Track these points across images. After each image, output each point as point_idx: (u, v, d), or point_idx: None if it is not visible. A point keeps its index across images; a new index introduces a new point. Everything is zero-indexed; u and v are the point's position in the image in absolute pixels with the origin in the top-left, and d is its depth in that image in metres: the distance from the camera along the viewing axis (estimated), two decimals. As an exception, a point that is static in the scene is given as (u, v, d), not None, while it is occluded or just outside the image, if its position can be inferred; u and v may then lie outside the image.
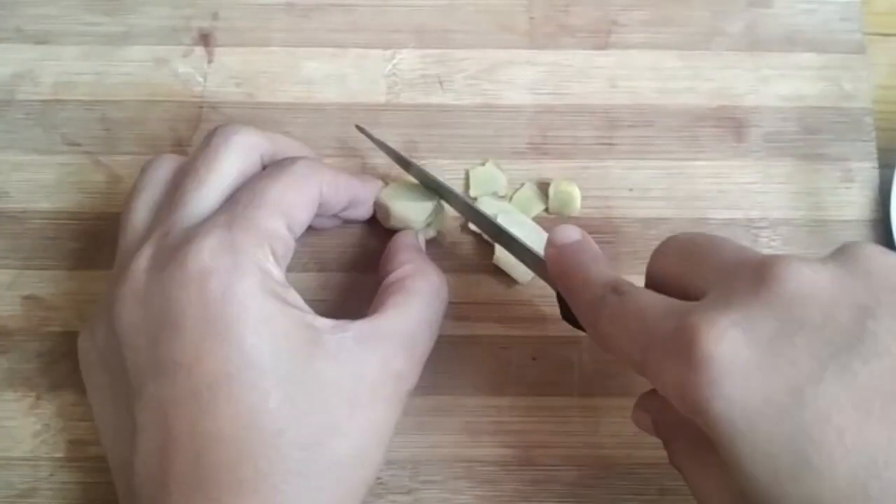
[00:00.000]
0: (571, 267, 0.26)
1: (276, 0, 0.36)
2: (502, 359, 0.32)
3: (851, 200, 0.34)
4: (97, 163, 0.34)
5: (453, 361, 0.31)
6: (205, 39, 0.36)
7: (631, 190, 0.34)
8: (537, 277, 0.30)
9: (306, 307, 0.26)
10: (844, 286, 0.20)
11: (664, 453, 0.25)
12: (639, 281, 0.26)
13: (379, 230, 0.33)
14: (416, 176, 0.32)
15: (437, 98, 0.35)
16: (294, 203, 0.27)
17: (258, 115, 0.35)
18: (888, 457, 0.18)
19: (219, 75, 0.35)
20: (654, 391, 0.26)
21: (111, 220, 0.33)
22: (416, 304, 0.28)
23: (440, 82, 0.35)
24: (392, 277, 0.28)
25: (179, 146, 0.34)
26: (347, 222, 0.32)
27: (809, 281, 0.20)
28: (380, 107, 0.35)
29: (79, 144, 0.34)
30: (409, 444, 0.30)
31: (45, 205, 0.34)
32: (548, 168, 0.34)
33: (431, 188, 0.32)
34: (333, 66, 0.36)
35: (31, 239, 0.33)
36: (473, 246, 0.33)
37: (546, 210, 0.33)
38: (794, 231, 0.33)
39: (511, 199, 0.33)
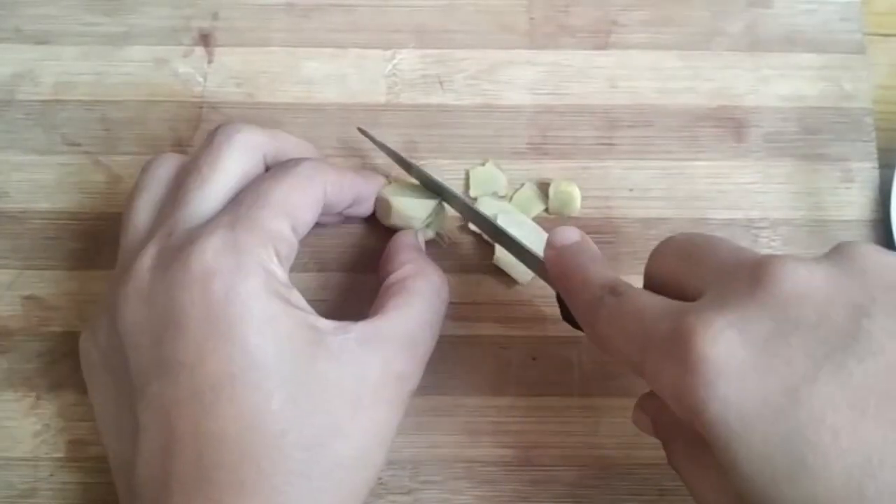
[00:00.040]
0: (570, 268, 0.26)
1: (276, 0, 0.36)
2: (502, 359, 0.32)
3: (851, 200, 0.34)
4: (97, 163, 0.34)
5: (453, 361, 0.31)
6: (205, 39, 0.36)
7: (631, 190, 0.34)
8: (537, 277, 0.30)
9: (309, 308, 0.26)
10: (839, 285, 0.20)
11: (664, 453, 0.25)
12: (638, 281, 0.26)
13: (379, 230, 0.33)
14: (417, 177, 0.32)
15: (437, 98, 0.35)
16: (298, 204, 0.27)
17: (258, 116, 0.35)
18: (883, 456, 0.18)
19: (219, 75, 0.35)
20: (653, 392, 0.26)
21: (111, 221, 0.33)
22: (416, 305, 0.28)
23: (440, 82, 0.35)
24: (392, 278, 0.28)
25: (179, 146, 0.34)
26: (348, 219, 0.32)
27: (804, 280, 0.20)
28: (380, 107, 0.35)
29: (79, 144, 0.34)
30: (409, 444, 0.30)
31: (45, 205, 0.34)
32: (548, 168, 0.34)
33: (433, 189, 0.32)
34: (333, 66, 0.36)
35: (31, 239, 0.33)
36: (473, 246, 0.33)
37: (546, 210, 0.33)
38: (794, 231, 0.33)
39: (511, 199, 0.33)
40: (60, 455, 0.31)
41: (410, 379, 0.27)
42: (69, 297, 0.32)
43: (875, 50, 0.36)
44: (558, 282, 0.27)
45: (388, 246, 0.31)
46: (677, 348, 0.20)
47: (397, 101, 0.35)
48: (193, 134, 0.34)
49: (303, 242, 0.28)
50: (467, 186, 0.34)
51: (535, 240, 0.31)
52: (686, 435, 0.24)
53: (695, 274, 0.23)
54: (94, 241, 0.33)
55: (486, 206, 0.33)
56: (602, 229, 0.33)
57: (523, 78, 0.35)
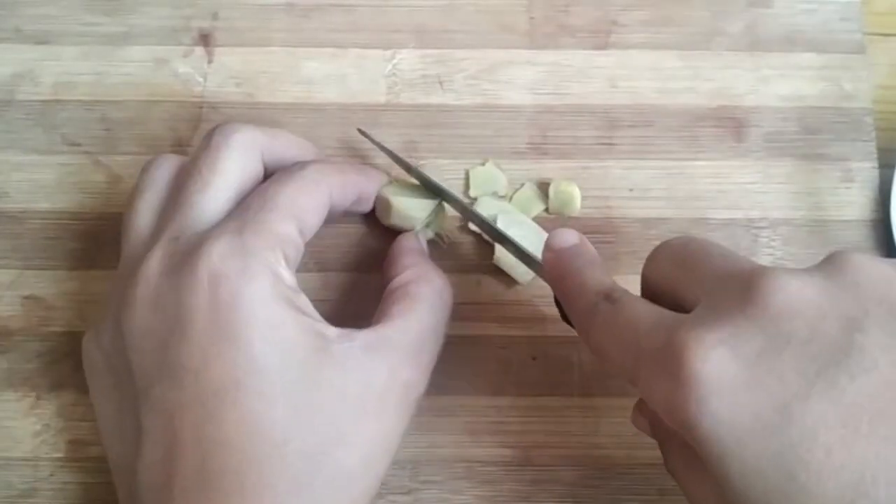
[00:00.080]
0: (567, 272, 0.26)
1: (276, 0, 0.36)
2: (502, 359, 0.32)
3: (851, 200, 0.34)
4: (97, 163, 0.34)
5: (453, 361, 0.31)
6: (205, 39, 0.36)
7: (631, 190, 0.34)
8: (537, 277, 0.30)
9: (316, 313, 0.26)
10: (832, 298, 0.20)
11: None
12: (638, 281, 0.26)
13: (379, 229, 0.33)
14: (416, 178, 0.32)
15: (437, 98, 0.35)
16: (306, 207, 0.27)
17: (258, 116, 0.35)
18: (877, 473, 0.18)
19: (219, 75, 0.35)
20: None
21: (111, 220, 0.33)
22: (420, 311, 0.27)
23: (440, 82, 0.35)
24: (395, 283, 0.28)
25: (179, 146, 0.34)
26: (347, 216, 0.32)
27: (796, 294, 0.20)
28: (380, 107, 0.35)
29: (79, 144, 0.34)
30: (409, 444, 0.30)
31: (45, 205, 0.34)
32: (548, 168, 0.34)
33: (432, 191, 0.32)
34: (333, 66, 0.36)
35: (32, 239, 0.33)
36: (473, 246, 0.33)
37: (546, 210, 0.33)
38: (794, 231, 0.33)
39: (511, 199, 0.33)
40: (60, 455, 0.31)
41: (416, 386, 0.27)
42: (69, 297, 0.32)
43: (875, 50, 0.36)
44: (555, 285, 0.27)
45: (391, 250, 0.30)
46: (669, 363, 0.20)
47: (397, 101, 0.35)
48: (193, 134, 0.34)
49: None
50: (467, 186, 0.34)
51: (535, 240, 0.31)
52: (681, 441, 0.23)
53: (689, 282, 0.23)
54: (95, 241, 0.33)
55: (486, 206, 0.33)
56: (602, 229, 0.33)
57: (523, 78, 0.35)
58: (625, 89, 0.35)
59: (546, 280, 0.28)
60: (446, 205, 0.32)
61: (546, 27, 0.36)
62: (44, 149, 0.34)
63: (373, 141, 0.32)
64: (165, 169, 0.28)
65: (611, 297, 0.24)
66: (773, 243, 0.33)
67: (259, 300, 0.24)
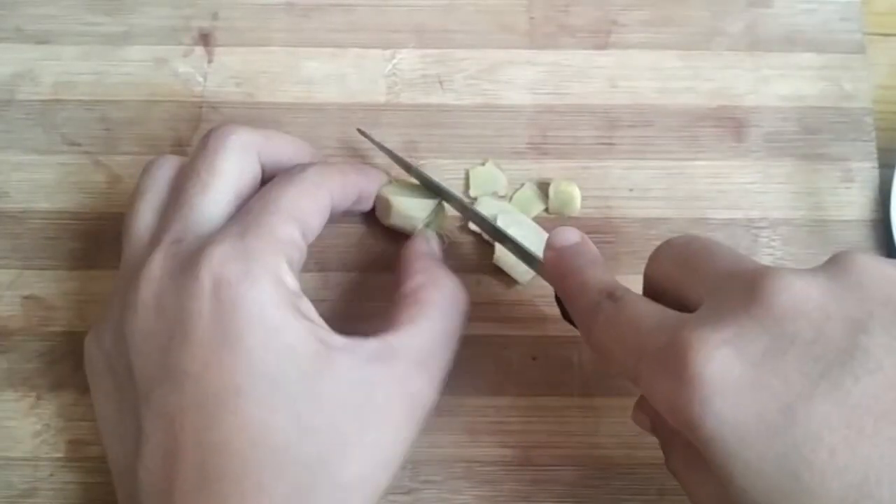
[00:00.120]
0: (569, 270, 0.26)
1: (276, 0, 0.36)
2: (502, 359, 0.32)
3: (851, 200, 0.34)
4: (97, 163, 0.34)
5: (453, 361, 0.31)
6: (205, 39, 0.36)
7: (631, 190, 0.34)
8: (537, 277, 0.30)
9: (319, 319, 0.25)
10: (836, 299, 0.20)
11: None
12: (639, 280, 0.26)
13: (379, 230, 0.33)
14: (416, 178, 0.32)
15: (437, 98, 0.35)
16: (308, 210, 0.27)
17: (258, 115, 0.35)
18: (880, 475, 0.18)
19: (219, 75, 0.35)
20: None
21: (111, 220, 0.33)
22: (430, 318, 0.27)
23: (440, 82, 0.35)
24: (404, 289, 0.28)
25: (179, 146, 0.34)
26: (347, 215, 0.32)
27: (801, 294, 0.20)
28: (380, 107, 0.35)
29: (79, 144, 0.34)
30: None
31: (45, 205, 0.34)
32: (548, 168, 0.34)
33: (432, 190, 0.32)
34: (333, 66, 0.36)
35: (32, 239, 0.33)
36: (473, 246, 0.33)
37: (546, 210, 0.33)
38: (794, 231, 0.33)
39: (511, 199, 0.33)
40: (60, 455, 0.31)
41: (425, 397, 0.26)
42: (69, 296, 0.32)
43: (875, 50, 0.36)
44: (556, 284, 0.27)
45: (401, 254, 0.30)
46: (673, 363, 0.20)
47: (397, 100, 0.35)
48: (193, 134, 0.34)
49: (303, 242, 0.28)
50: (467, 186, 0.34)
51: (535, 240, 0.31)
52: (683, 440, 0.23)
53: (692, 282, 0.23)
54: (95, 241, 0.33)
55: (486, 206, 0.33)
56: (602, 229, 0.33)
57: (523, 78, 0.35)
58: (625, 89, 0.35)
59: (547, 279, 0.28)
60: (446, 204, 0.32)
61: (546, 27, 0.36)
62: (44, 149, 0.34)
63: (372, 141, 0.32)
64: (165, 170, 0.28)
65: (613, 295, 0.24)
66: (773, 243, 0.33)
67: (261, 305, 0.24)
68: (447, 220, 0.33)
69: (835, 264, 0.21)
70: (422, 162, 0.34)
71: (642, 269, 0.26)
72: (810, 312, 0.20)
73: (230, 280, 0.24)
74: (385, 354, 0.25)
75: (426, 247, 0.30)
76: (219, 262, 0.24)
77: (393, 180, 0.32)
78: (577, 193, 0.33)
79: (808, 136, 0.35)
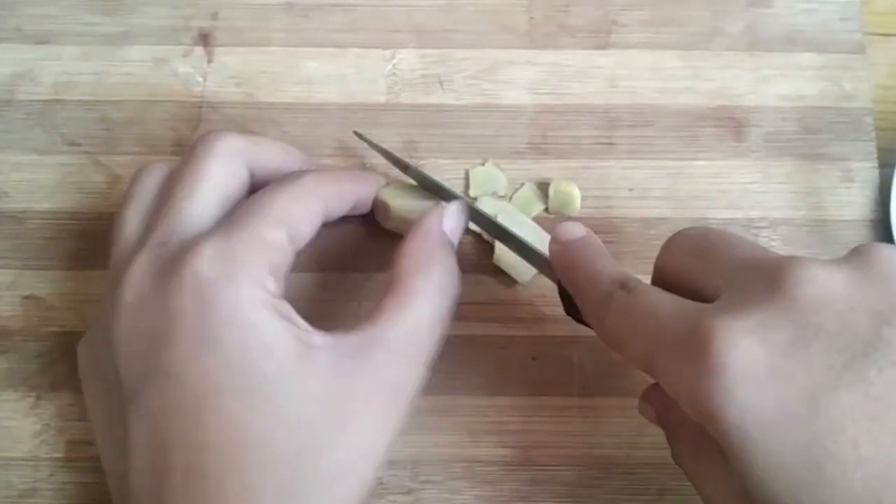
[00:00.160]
0: (576, 262, 0.26)
1: (276, 0, 0.36)
2: (502, 359, 0.32)
3: (851, 200, 0.34)
4: (97, 163, 0.34)
5: (453, 361, 0.31)
6: (205, 39, 0.36)
7: (631, 190, 0.34)
8: (537, 277, 0.30)
9: (300, 321, 0.25)
10: (860, 291, 0.20)
11: (664, 453, 0.25)
12: (641, 279, 0.26)
13: (379, 231, 0.33)
14: (414, 178, 0.32)
15: (437, 98, 0.35)
16: (298, 216, 0.27)
17: (258, 115, 0.35)
18: None
19: (219, 75, 0.35)
20: (658, 384, 0.25)
21: (111, 221, 0.32)
22: (414, 307, 0.26)
23: (440, 82, 0.35)
24: (391, 274, 0.27)
25: (179, 146, 0.34)
26: (345, 217, 0.32)
27: (826, 286, 0.20)
28: (380, 107, 0.35)
29: (79, 144, 0.34)
30: (409, 444, 0.30)
31: (44, 205, 0.34)
32: (548, 168, 0.34)
33: (431, 190, 0.32)
34: (333, 66, 0.36)
35: (31, 239, 0.33)
36: (473, 246, 0.33)
37: (546, 210, 0.33)
38: (794, 231, 0.33)
39: (511, 199, 0.33)
40: (60, 455, 0.31)
41: (407, 387, 0.26)
42: (69, 297, 0.32)
43: (875, 50, 0.36)
44: (564, 276, 0.27)
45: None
46: (695, 351, 0.20)
47: (397, 100, 0.35)
48: (193, 134, 0.34)
49: (303, 242, 0.28)
50: (467, 186, 0.34)
51: (535, 240, 0.31)
52: (691, 432, 0.23)
53: (710, 273, 0.23)
54: (94, 241, 0.33)
55: (486, 206, 0.33)
56: (602, 229, 0.33)
57: (523, 78, 0.35)
58: (625, 89, 0.35)
59: (551, 275, 0.28)
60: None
61: (546, 27, 0.36)
62: (44, 149, 0.34)
63: (370, 143, 0.32)
64: (154, 177, 0.28)
65: (626, 285, 0.24)
66: (773, 243, 0.33)
67: (239, 304, 0.24)
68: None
69: (858, 256, 0.21)
70: (422, 162, 0.34)
71: (643, 269, 0.26)
72: (835, 304, 0.20)
73: (210, 280, 0.24)
74: (365, 347, 0.25)
75: (428, 225, 0.28)
76: (200, 262, 0.24)
77: (391, 183, 0.32)
78: (577, 193, 0.33)
79: (808, 136, 0.35)
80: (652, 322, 0.22)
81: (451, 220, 0.29)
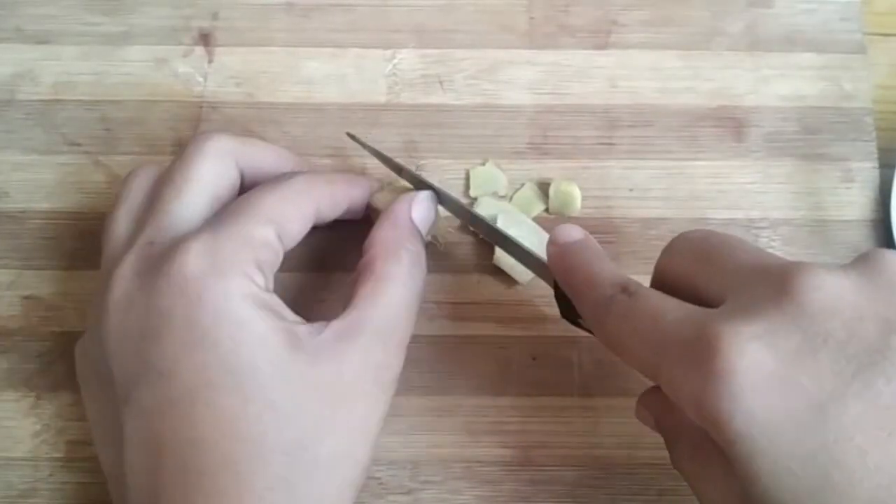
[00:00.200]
0: (575, 265, 0.26)
1: (276, 0, 0.36)
2: (502, 359, 0.32)
3: (851, 200, 0.34)
4: (97, 163, 0.34)
5: (453, 361, 0.31)
6: (205, 39, 0.36)
7: (631, 190, 0.34)
8: (537, 277, 0.30)
9: (290, 314, 0.26)
10: (869, 299, 0.20)
11: (664, 453, 0.25)
12: (641, 280, 0.26)
13: (379, 230, 0.33)
14: (409, 180, 0.32)
15: (437, 98, 0.35)
16: (288, 216, 0.27)
17: (258, 115, 0.35)
18: None
19: (219, 75, 0.35)
20: (656, 388, 0.25)
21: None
22: (387, 292, 0.26)
23: (440, 82, 0.35)
24: (363, 262, 0.28)
25: (179, 146, 0.34)
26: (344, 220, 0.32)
27: (834, 292, 0.20)
28: (380, 107, 0.35)
29: (79, 144, 0.34)
30: (409, 444, 0.30)
31: (44, 205, 0.34)
32: (548, 168, 0.34)
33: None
34: (333, 66, 0.36)
35: (31, 239, 0.33)
36: (473, 246, 0.33)
37: (546, 210, 0.33)
38: (794, 231, 0.33)
39: (511, 199, 0.33)
40: (60, 455, 0.31)
41: (390, 367, 0.26)
42: (69, 297, 0.32)
43: (875, 50, 0.36)
44: (563, 279, 0.27)
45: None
46: (701, 356, 0.20)
47: (397, 100, 0.35)
48: (193, 134, 0.34)
49: (303, 242, 0.28)
50: (467, 186, 0.34)
51: (534, 240, 0.31)
52: (690, 436, 0.23)
53: (713, 277, 0.23)
54: (94, 241, 0.33)
55: (486, 206, 0.33)
56: (602, 229, 0.33)
57: (523, 78, 0.35)
58: (625, 89, 0.35)
59: (548, 277, 0.28)
60: (441, 208, 0.32)
61: (546, 27, 0.36)
62: (44, 149, 0.34)
63: (363, 145, 0.32)
64: (143, 179, 0.28)
65: (627, 289, 0.24)
66: (773, 243, 0.33)
67: (226, 299, 0.24)
68: (442, 220, 0.33)
69: (865, 262, 0.21)
70: (422, 162, 0.34)
71: (643, 270, 0.26)
72: (843, 311, 0.20)
73: (198, 276, 0.24)
74: (348, 332, 0.25)
75: (396, 214, 0.29)
76: (188, 259, 0.24)
77: (385, 187, 0.32)
78: (577, 193, 0.33)
79: (808, 136, 0.35)
80: (655, 326, 0.22)
81: (419, 209, 0.29)
